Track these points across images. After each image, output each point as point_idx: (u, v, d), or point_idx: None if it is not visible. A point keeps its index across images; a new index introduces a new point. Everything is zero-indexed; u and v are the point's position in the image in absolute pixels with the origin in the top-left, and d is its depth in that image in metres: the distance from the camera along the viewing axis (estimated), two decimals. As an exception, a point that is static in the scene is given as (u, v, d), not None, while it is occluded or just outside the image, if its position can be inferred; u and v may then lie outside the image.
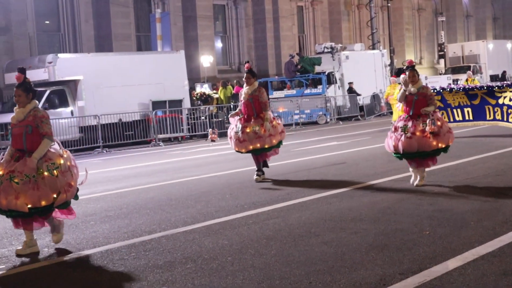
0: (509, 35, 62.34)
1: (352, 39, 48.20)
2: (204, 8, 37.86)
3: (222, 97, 31.80)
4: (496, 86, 16.84)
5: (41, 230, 9.00)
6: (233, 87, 32.35)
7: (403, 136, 10.34)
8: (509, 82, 17.67)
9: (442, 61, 50.92)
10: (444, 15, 54.15)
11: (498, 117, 16.77)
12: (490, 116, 16.97)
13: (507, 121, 16.58)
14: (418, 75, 10.71)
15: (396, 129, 10.54)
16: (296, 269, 6.31)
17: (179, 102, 26.50)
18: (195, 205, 10.18)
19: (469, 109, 17.37)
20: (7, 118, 22.61)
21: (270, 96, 32.31)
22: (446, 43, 52.06)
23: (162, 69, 26.46)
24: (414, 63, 10.84)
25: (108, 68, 24.88)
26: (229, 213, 9.33)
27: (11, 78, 25.19)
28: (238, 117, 12.35)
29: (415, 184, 10.52)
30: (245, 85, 12.36)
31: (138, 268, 6.77)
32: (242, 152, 12.33)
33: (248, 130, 11.98)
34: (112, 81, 24.68)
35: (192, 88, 30.78)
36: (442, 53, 50.04)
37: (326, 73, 32.34)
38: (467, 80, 25.85)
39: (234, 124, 12.31)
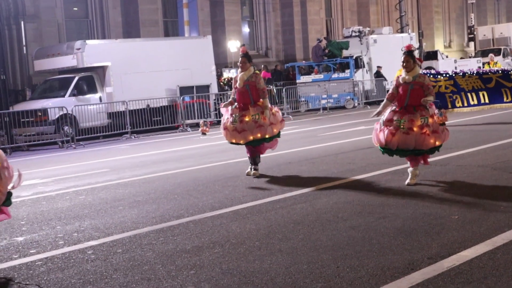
0: (540, 17, 61.36)
1: (380, 22, 47.81)
2: (231, -7, 37.80)
3: (249, 82, 31.75)
4: (511, 70, 16.41)
5: (72, 215, 9.11)
6: (260, 72, 32.29)
7: (398, 130, 9.21)
8: None
9: (472, 44, 50.38)
10: (474, -3, 53.44)
11: None
12: (508, 98, 16.41)
13: None
14: (415, 61, 9.56)
15: (389, 121, 9.37)
16: (324, 254, 6.30)
17: (206, 88, 26.55)
18: (222, 190, 10.21)
19: (485, 92, 16.71)
20: (37, 104, 22.86)
21: (297, 81, 32.31)
22: (476, 25, 51.44)
23: (189, 54, 26.50)
24: (412, 48, 9.79)
25: (136, 54, 24.98)
26: (256, 198, 9.34)
27: (41, 64, 25.45)
28: (232, 107, 11.37)
29: (406, 183, 9.52)
30: (239, 70, 11.34)
31: (166, 252, 6.81)
32: (239, 144, 11.42)
33: (247, 119, 11.08)
34: (139, 67, 24.78)
35: (220, 74, 30.78)
36: (472, 36, 49.51)
37: (354, 57, 32.17)
38: (489, 63, 25.24)
39: (229, 114, 11.37)
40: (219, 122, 26.16)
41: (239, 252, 6.60)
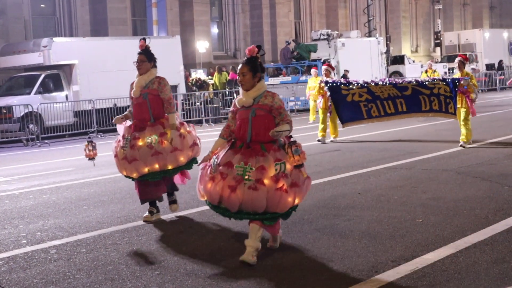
0: (505, 24, 62.28)
1: (348, 26, 48.09)
2: (200, -6, 37.73)
3: (217, 83, 31.75)
4: (427, 81, 14.58)
5: (36, 214, 9.01)
6: (228, 73, 32.30)
7: (241, 183, 6.02)
8: (440, 78, 15.61)
9: (438, 49, 50.93)
10: (441, 3, 54.11)
11: (436, 107, 14.46)
12: (426, 107, 14.66)
13: (446, 111, 14.25)
14: (257, 72, 6.41)
15: (227, 167, 6.15)
16: (288, 256, 6.32)
17: (174, 88, 26.42)
18: (189, 191, 10.17)
19: (402, 100, 15.07)
20: (1, 101, 22.55)
21: (266, 83, 32.24)
22: (443, 31, 52.05)
23: (157, 54, 25.99)
24: (255, 55, 6.50)
25: (104, 52, 24.79)
26: (222, 199, 9.30)
27: (6, 61, 25.13)
28: (127, 124, 8.29)
29: (268, 245, 6.66)
30: (137, 74, 8.35)
31: (131, 253, 6.77)
32: (133, 178, 8.18)
33: (140, 143, 7.94)
34: (107, 65, 24.59)
35: (188, 74, 30.70)
36: (438, 41, 50.06)
37: (322, 60, 32.29)
38: (426, 71, 24.53)
39: (121, 135, 8.25)
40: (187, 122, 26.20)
41: (204, 253, 6.59)
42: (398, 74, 40.16)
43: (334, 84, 15.85)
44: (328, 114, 16.16)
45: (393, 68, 41.29)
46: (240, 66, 6.43)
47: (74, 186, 11.51)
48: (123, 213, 8.78)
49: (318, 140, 16.14)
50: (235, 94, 30.52)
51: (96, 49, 24.93)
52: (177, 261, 6.36)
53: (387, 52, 40.61)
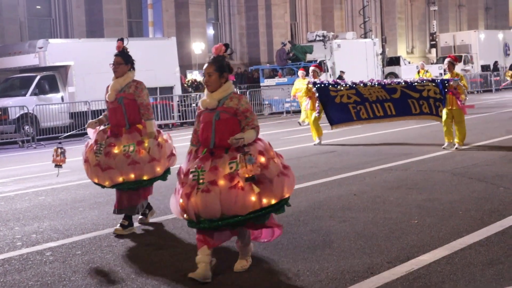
0: (500, 25, 62.42)
1: (344, 27, 48.15)
2: (196, -5, 37.73)
3: (213, 84, 31.73)
4: (416, 82, 14.31)
5: (31, 216, 8.99)
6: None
7: (195, 188, 5.64)
8: (429, 78, 15.18)
9: (433, 50, 51.03)
10: (436, 5, 54.23)
11: (426, 110, 14.21)
12: (416, 110, 14.44)
13: (437, 114, 13.97)
14: (223, 72, 5.96)
15: (186, 176, 5.80)
16: (284, 257, 6.32)
17: (170, 89, 26.46)
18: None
19: (390, 104, 14.81)
20: (-4, 103, 22.50)
21: (261, 84, 32.30)
22: (438, 32, 52.13)
23: (153, 55, 26.37)
24: (223, 53, 6.03)
25: (99, 54, 24.72)
26: (218, 201, 9.30)
27: (2, 63, 25.10)
28: (101, 128, 7.89)
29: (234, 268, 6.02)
30: (114, 76, 7.90)
31: (126, 255, 6.76)
32: (104, 187, 7.79)
33: (116, 150, 7.56)
34: (103, 67, 24.32)
35: (184, 76, 30.69)
36: (434, 42, 50.15)
37: (318, 62, 32.30)
38: (419, 72, 24.36)
39: (94, 140, 7.80)
40: (182, 124, 26.24)
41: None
42: (394, 75, 40.24)
43: (322, 85, 15.54)
44: (316, 115, 15.73)
45: (388, 69, 41.36)
46: (205, 65, 5.98)
47: (69, 188, 11.50)
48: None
49: (315, 144, 15.85)
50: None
51: (91, 50, 24.90)
52: (173, 263, 6.36)
53: (383, 53, 40.66)
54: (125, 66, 7.83)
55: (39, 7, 32.90)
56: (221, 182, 5.59)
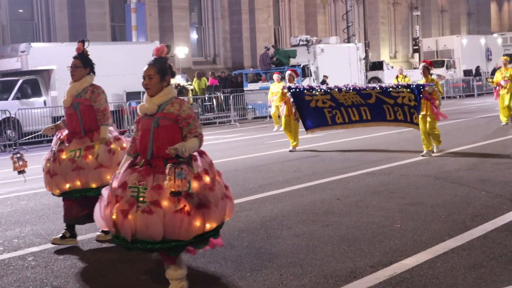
0: (483, 31, 62.88)
1: (327, 32, 48.27)
2: (179, -1, 37.69)
3: (196, 88, 31.71)
4: (391, 87, 14.09)
5: (13, 220, 8.94)
6: (207, 79, 32.28)
7: (134, 207, 5.20)
8: (404, 84, 14.94)
9: (416, 55, 51.25)
10: (419, 10, 54.51)
11: (400, 117, 14.05)
12: (390, 116, 14.25)
13: (411, 122, 13.80)
14: (164, 76, 5.62)
15: (122, 188, 5.33)
16: (268, 262, 6.32)
17: (153, 93, 26.35)
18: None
19: (366, 108, 14.62)
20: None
21: (245, 89, 32.30)
22: (421, 37, 52.40)
23: (136, 59, 26.24)
24: (164, 55, 5.74)
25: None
26: (201, 205, 9.29)
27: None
28: (60, 135, 7.47)
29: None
30: (71, 80, 7.53)
31: (110, 259, 6.73)
32: (56, 195, 7.41)
33: (63, 156, 7.16)
34: (85, 71, 24.46)
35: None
36: (417, 47, 50.36)
37: (301, 66, 32.39)
38: (397, 76, 24.14)
39: (52, 147, 7.50)
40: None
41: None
42: (377, 80, 40.39)
43: (297, 90, 15.30)
44: (296, 120, 15.37)
45: (372, 74, 41.52)
46: (145, 67, 5.62)
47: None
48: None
49: (291, 151, 15.30)
50: (214, 100, 30.54)
51: (74, 54, 24.77)
52: (156, 268, 6.33)
53: (366, 58, 40.83)
54: (83, 69, 7.40)
55: (21, 10, 32.71)
56: (165, 203, 5.14)
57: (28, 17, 32.87)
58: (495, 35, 55.36)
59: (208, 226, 5.31)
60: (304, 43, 33.99)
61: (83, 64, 7.41)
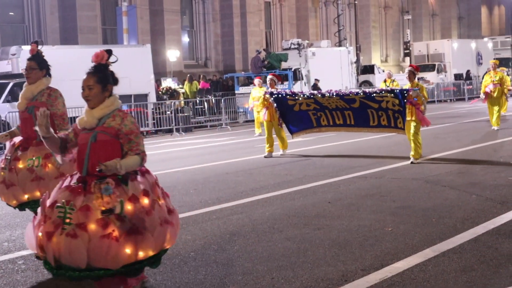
0: (473, 35, 63.17)
1: (319, 36, 48.39)
2: (171, 2, 37.67)
3: (188, 92, 31.72)
4: (374, 92, 13.71)
5: (3, 224, 8.90)
6: (199, 82, 32.29)
7: (59, 229, 4.75)
8: (388, 88, 14.53)
9: (407, 59, 51.43)
10: (410, 14, 54.75)
11: (384, 122, 13.76)
12: (374, 122, 14.00)
13: (395, 126, 13.54)
14: (106, 85, 5.14)
15: (51, 209, 4.89)
16: (259, 265, 6.31)
17: (144, 97, 26.35)
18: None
19: (350, 112, 14.37)
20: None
21: (236, 92, 32.29)
22: (412, 41, 52.57)
23: (127, 62, 26.17)
24: (104, 62, 5.22)
25: (73, 61, 24.58)
26: (192, 208, 9.30)
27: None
28: (14, 142, 7.04)
29: None
30: (26, 83, 7.07)
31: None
32: (13, 206, 7.02)
33: (20, 165, 6.74)
34: (77, 74, 23.94)
35: (159, 83, 30.63)
36: (408, 51, 50.55)
37: (293, 69, 32.44)
38: (385, 81, 24.03)
39: (6, 154, 7.03)
40: (156, 132, 26.13)
41: (174, 262, 6.55)
42: (368, 83, 40.51)
43: (279, 95, 14.99)
44: (279, 126, 15.08)
45: (363, 77, 41.63)
46: (85, 77, 5.11)
47: (42, 195, 11.38)
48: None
49: (265, 157, 14.96)
50: (205, 104, 30.52)
51: (65, 57, 24.72)
52: (146, 271, 6.31)
53: (357, 61, 40.92)
54: (39, 71, 6.97)
55: (12, 13, 32.65)
56: (92, 227, 4.67)
57: (19, 20, 32.81)
58: (485, 39, 55.58)
59: (141, 254, 4.80)
60: (296, 46, 34.04)
61: (38, 66, 6.99)
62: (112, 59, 5.15)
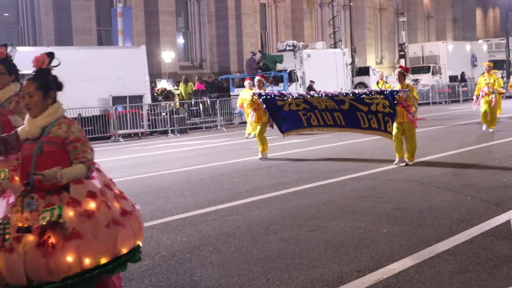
0: (468, 37, 63.33)
1: (314, 37, 48.42)
2: (166, 3, 37.66)
3: (183, 93, 31.71)
4: (364, 94, 13.43)
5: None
6: (194, 84, 32.28)
7: (0, 245, 4.40)
8: (378, 90, 14.48)
9: (402, 61, 51.44)
10: (405, 16, 54.77)
11: (374, 125, 13.55)
12: (365, 124, 13.79)
13: (385, 130, 13.27)
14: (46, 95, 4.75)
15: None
16: (254, 266, 6.31)
17: (139, 98, 26.33)
18: (154, 202, 10.12)
19: (339, 114, 14.15)
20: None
21: (231, 93, 32.29)
22: (407, 43, 52.65)
23: (123, 64, 26.25)
24: (45, 66, 4.96)
25: (68, 62, 24.35)
26: (188, 210, 9.29)
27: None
28: None
29: None
30: None
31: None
32: None
33: None
34: (71, 75, 24.23)
35: (154, 85, 30.61)
36: (403, 53, 50.59)
37: (288, 71, 32.47)
38: (378, 82, 23.88)
39: None
40: (152, 133, 26.12)
41: (169, 264, 6.55)
42: (363, 85, 40.52)
43: (268, 97, 14.86)
44: (270, 128, 15.08)
45: (358, 79, 41.66)
46: (25, 83, 4.70)
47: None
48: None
49: (260, 159, 14.87)
50: (201, 105, 30.52)
51: (60, 58, 24.54)
52: (141, 272, 6.31)
53: (352, 63, 40.97)
54: (7, 76, 6.31)
55: (7, 14, 32.59)
56: (29, 238, 4.25)
57: (14, 21, 32.76)
58: (480, 41, 55.76)
59: (88, 261, 4.31)
60: (291, 48, 34.09)
61: (7, 71, 6.33)
62: (54, 62, 4.82)
